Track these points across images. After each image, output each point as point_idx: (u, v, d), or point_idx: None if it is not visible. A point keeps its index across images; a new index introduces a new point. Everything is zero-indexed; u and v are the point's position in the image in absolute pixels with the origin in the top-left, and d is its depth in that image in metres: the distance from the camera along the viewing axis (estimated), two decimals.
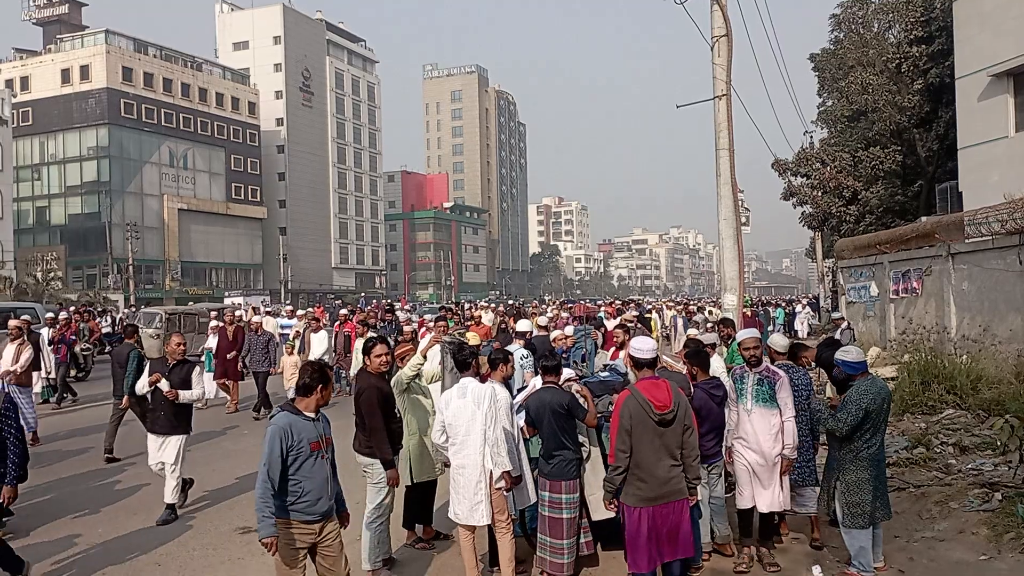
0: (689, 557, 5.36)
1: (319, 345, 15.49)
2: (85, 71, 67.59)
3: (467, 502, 5.73)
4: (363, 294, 76.96)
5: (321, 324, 17.15)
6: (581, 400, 6.08)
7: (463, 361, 6.08)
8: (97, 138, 67.70)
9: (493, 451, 5.66)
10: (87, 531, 7.65)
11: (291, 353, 14.84)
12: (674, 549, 5.06)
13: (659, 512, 5.02)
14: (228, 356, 14.93)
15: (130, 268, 58.98)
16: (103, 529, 7.74)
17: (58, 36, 71.44)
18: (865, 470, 5.94)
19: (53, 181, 69.30)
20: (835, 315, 18.79)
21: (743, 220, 15.67)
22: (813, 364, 7.40)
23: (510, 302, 42.22)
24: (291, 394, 11.31)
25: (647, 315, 26.40)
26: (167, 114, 71.75)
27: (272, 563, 6.65)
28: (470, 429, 5.72)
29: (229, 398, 15.19)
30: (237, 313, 20.11)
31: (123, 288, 59.40)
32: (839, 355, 6.28)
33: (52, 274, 55.33)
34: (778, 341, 7.12)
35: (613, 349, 10.12)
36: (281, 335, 18.96)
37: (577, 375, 7.67)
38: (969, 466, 8.48)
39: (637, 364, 5.34)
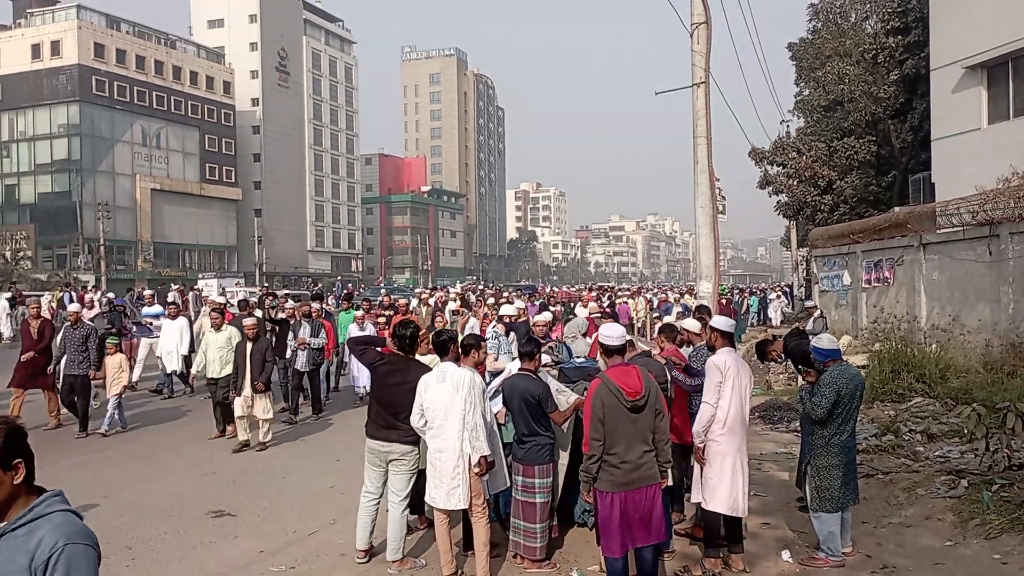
0: (661, 542, 5.39)
1: (170, 338, 14.01)
2: (56, 47, 66.17)
3: (444, 486, 5.73)
4: (339, 277, 76.64)
5: (179, 310, 15.14)
6: (562, 397, 6.11)
7: (441, 345, 6.06)
8: (68, 115, 66.37)
9: (472, 436, 5.67)
10: None
11: (113, 353, 11.47)
12: (646, 534, 5.07)
13: (631, 497, 5.03)
14: (26, 358, 11.40)
15: (101, 248, 58.10)
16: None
17: (28, 11, 69.81)
18: (835, 456, 6.05)
19: (23, 159, 67.91)
20: (808, 303, 18.98)
21: (720, 208, 15.76)
22: (782, 357, 7.49)
23: (481, 287, 41.84)
24: (112, 402, 11.23)
25: (617, 302, 26.45)
26: (140, 92, 70.50)
27: (247, 547, 6.65)
28: (448, 413, 5.71)
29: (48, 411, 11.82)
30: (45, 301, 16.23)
31: (94, 269, 58.55)
32: (813, 342, 6.37)
33: (21, 253, 54.37)
34: (691, 324, 7.28)
35: (595, 337, 10.13)
36: (141, 326, 15.96)
37: (553, 360, 7.70)
38: (936, 453, 8.63)
39: (606, 351, 5.30)
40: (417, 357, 6.59)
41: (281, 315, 14.15)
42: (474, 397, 5.70)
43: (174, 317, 14.36)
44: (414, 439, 6.12)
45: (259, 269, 75.11)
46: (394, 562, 6.17)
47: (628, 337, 5.75)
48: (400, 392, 6.09)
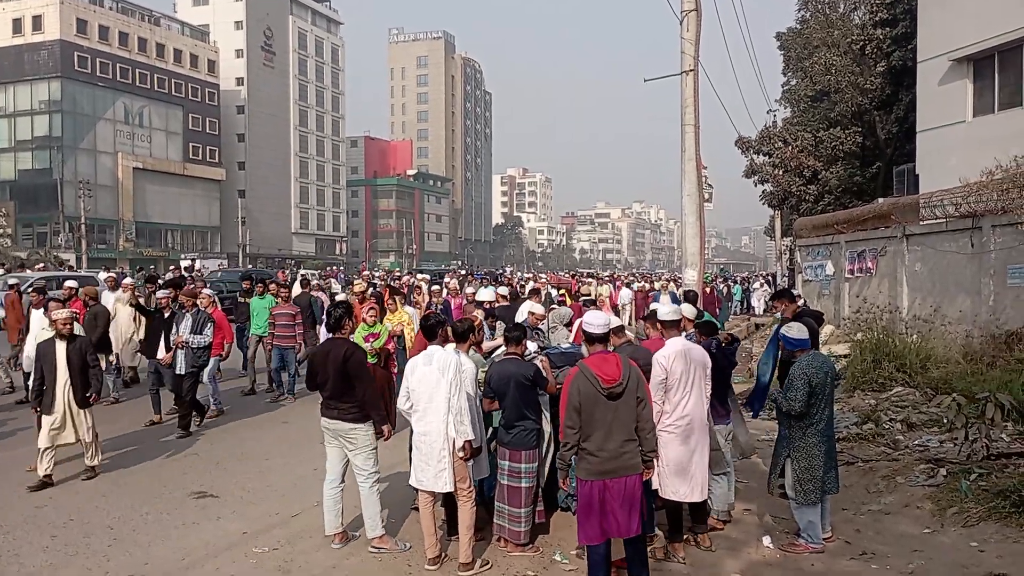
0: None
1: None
2: (37, 21, 65.09)
3: (431, 469, 5.74)
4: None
5: (43, 299, 10.94)
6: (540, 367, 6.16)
7: (430, 328, 6.04)
8: (49, 92, 65.41)
9: (456, 419, 5.67)
10: (33, 495, 7.53)
11: None
12: (626, 525, 5.01)
13: (610, 486, 5.01)
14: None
15: (82, 227, 57.47)
16: (50, 492, 7.61)
17: None
18: (815, 445, 6.09)
19: (3, 135, 66.85)
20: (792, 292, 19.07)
21: (706, 197, 15.77)
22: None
23: (462, 273, 41.44)
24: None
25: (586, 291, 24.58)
26: (123, 69, 69.58)
27: (230, 529, 6.63)
28: (433, 396, 5.71)
29: None
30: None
31: (75, 247, 57.93)
32: (783, 331, 6.40)
33: (1, 231, 53.69)
34: (687, 311, 7.27)
35: (578, 325, 10.12)
36: None
37: (539, 346, 7.69)
38: (916, 442, 8.73)
39: (589, 339, 5.28)
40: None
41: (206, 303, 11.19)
42: (459, 380, 5.69)
43: (37, 307, 10.89)
44: (359, 416, 6.17)
45: (242, 251, 74.61)
46: (375, 538, 6.19)
47: (617, 323, 5.77)
48: (344, 366, 6.12)
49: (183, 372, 9.90)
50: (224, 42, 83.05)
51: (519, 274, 44.66)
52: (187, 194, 76.38)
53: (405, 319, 10.88)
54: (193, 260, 40.19)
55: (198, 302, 10.61)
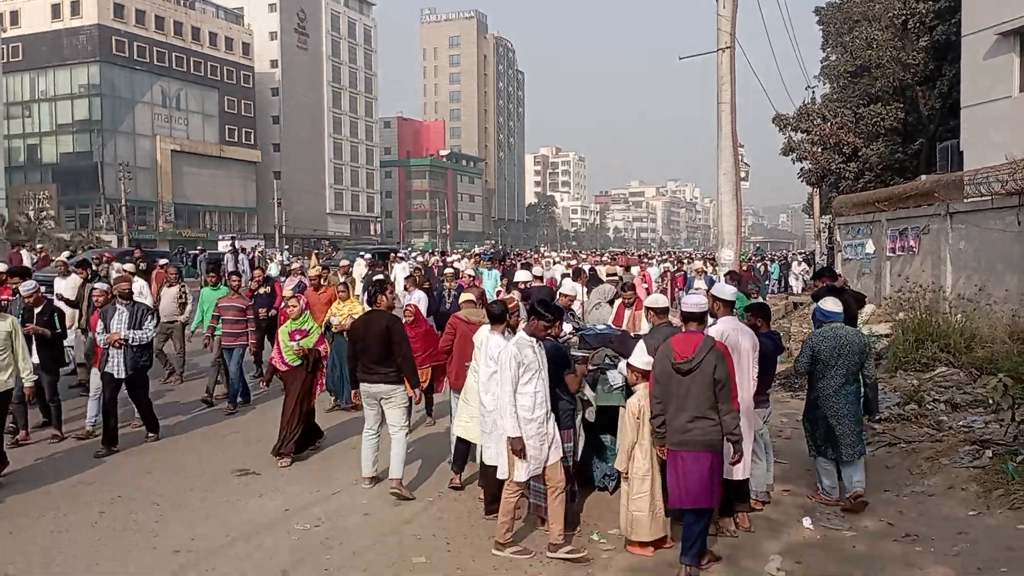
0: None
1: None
2: (76, 6, 66.09)
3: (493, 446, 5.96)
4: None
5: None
6: (577, 367, 6.15)
7: (497, 315, 6.28)
8: (88, 76, 66.53)
9: (498, 414, 5.79)
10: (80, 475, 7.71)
11: None
12: (693, 496, 5.24)
13: (684, 457, 5.29)
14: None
15: (123, 209, 58.47)
16: (97, 469, 7.79)
17: None
18: (813, 407, 6.77)
19: (44, 119, 68.32)
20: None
21: (742, 175, 15.55)
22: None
23: (477, 251, 39.33)
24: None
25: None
26: (159, 53, 70.45)
27: (271, 506, 6.75)
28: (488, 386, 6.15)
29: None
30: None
31: (116, 229, 58.99)
32: (819, 303, 6.90)
33: (44, 213, 54.81)
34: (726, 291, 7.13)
35: (619, 303, 10.04)
36: None
37: (574, 327, 7.68)
38: (960, 423, 8.56)
39: (683, 318, 5.61)
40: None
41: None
42: (502, 375, 5.63)
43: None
44: (397, 379, 6.90)
45: (278, 231, 75.33)
46: (395, 480, 6.88)
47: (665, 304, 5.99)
48: (386, 333, 6.85)
49: (122, 376, 8.32)
50: (258, 25, 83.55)
51: (536, 254, 43.15)
52: (224, 176, 77.31)
53: (357, 311, 9.46)
54: (233, 239, 40.59)
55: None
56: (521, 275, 11.18)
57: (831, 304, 6.75)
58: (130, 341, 8.28)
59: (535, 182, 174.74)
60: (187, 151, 73.00)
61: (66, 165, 66.86)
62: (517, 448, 5.49)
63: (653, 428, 5.48)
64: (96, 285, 9.73)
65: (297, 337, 7.94)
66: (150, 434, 8.82)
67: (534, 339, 5.68)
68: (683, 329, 5.62)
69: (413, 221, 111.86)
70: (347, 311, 9.82)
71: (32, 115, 68.64)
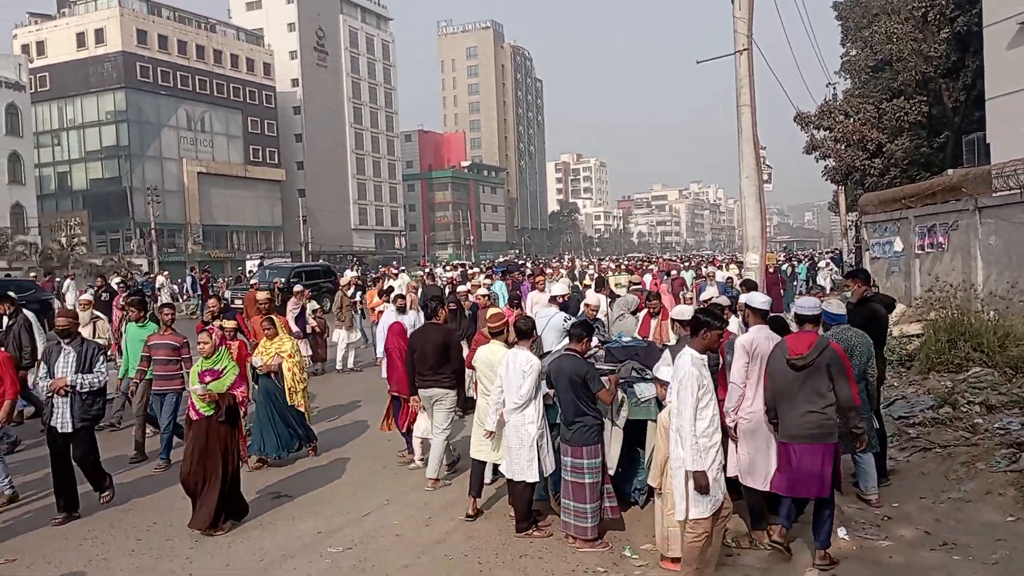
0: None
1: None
2: (100, 34, 67.35)
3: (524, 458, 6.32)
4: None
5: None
6: (604, 381, 6.10)
7: (523, 332, 6.51)
8: (115, 102, 67.69)
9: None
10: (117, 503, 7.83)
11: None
12: (806, 487, 5.51)
13: (797, 449, 5.54)
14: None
15: (152, 232, 59.31)
16: (134, 498, 7.90)
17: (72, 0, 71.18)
18: None
19: (73, 146, 69.55)
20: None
21: (765, 178, 15.45)
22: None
23: (502, 259, 39.03)
24: None
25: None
26: (183, 76, 71.51)
27: (304, 528, 6.79)
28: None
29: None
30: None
31: (147, 252, 59.87)
32: (824, 305, 6.75)
33: (76, 239, 55.74)
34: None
35: (644, 314, 9.99)
36: None
37: (600, 340, 7.68)
38: (996, 425, 8.40)
39: (798, 319, 5.90)
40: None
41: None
42: (682, 400, 5.23)
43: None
44: (452, 384, 7.70)
45: (304, 248, 75.98)
46: (430, 479, 7.74)
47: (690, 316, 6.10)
48: (445, 343, 7.74)
49: (70, 430, 7.03)
50: (278, 44, 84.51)
51: (540, 262, 42.28)
52: (250, 195, 78.17)
53: (287, 349, 8.85)
54: (261, 258, 40.94)
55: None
56: (558, 288, 10.97)
57: (836, 307, 6.95)
58: (78, 387, 7.01)
59: (557, 189, 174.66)
60: (213, 172, 73.94)
61: (96, 191, 68.03)
62: (701, 484, 5.07)
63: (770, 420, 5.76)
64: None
65: (207, 379, 6.64)
66: (103, 495, 7.47)
67: (706, 356, 5.37)
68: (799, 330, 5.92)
69: (437, 233, 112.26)
70: (274, 349, 8.84)
71: (61, 143, 69.91)
